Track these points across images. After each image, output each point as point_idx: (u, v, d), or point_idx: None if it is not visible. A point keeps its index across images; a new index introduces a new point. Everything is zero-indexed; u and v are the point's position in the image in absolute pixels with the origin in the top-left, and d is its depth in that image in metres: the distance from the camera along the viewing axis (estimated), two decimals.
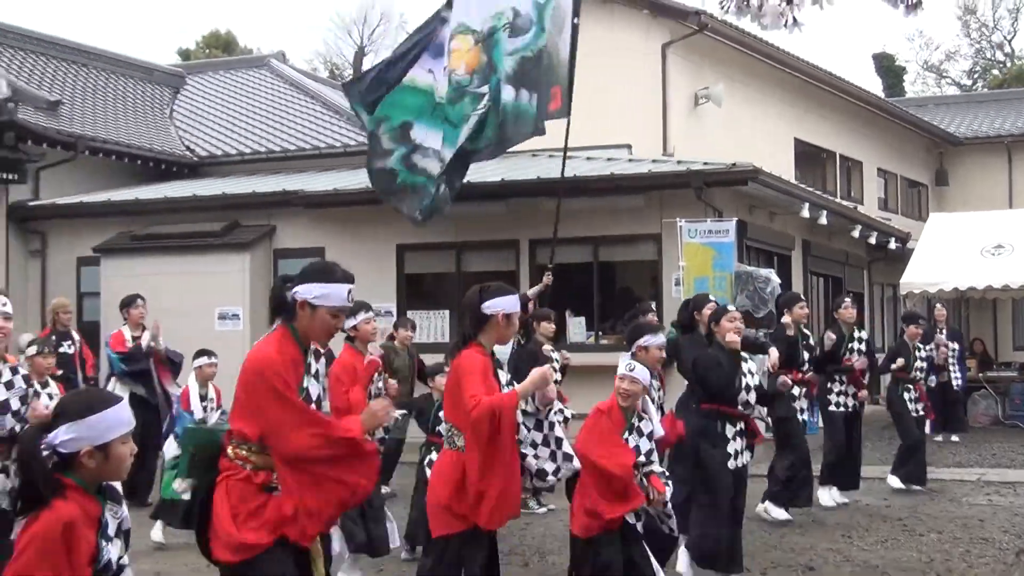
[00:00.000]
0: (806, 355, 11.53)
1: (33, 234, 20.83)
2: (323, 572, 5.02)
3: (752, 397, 8.46)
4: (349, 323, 8.03)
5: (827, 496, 11.92)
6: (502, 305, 6.02)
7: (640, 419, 6.96)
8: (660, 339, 7.86)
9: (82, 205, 20.53)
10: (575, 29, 9.98)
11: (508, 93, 9.98)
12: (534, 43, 9.96)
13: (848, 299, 12.91)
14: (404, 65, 11.09)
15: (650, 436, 6.92)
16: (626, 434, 6.88)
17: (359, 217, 18.75)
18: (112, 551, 3.68)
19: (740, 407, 8.44)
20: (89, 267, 19.94)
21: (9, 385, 5.83)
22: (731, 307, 9.11)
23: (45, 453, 3.65)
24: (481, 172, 18.23)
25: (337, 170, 21.36)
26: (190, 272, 18.19)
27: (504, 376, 6.24)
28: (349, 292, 5.11)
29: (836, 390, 12.11)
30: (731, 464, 8.30)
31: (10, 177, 19.76)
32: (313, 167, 22.22)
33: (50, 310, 14.17)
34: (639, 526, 6.95)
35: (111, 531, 3.71)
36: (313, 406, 4.99)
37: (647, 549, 7.01)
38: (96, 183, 21.61)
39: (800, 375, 11.27)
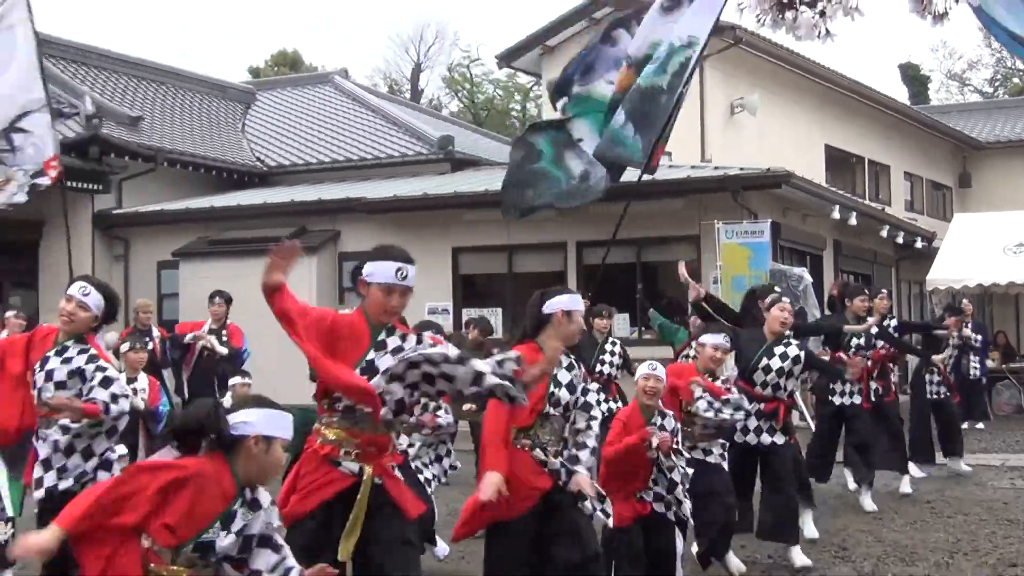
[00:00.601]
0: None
1: (117, 240, 21.04)
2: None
3: (779, 381, 8.36)
4: None
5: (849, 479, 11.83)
6: (561, 303, 5.93)
7: (663, 416, 6.87)
8: (717, 339, 7.76)
9: (162, 213, 20.74)
10: (682, 96, 9.86)
11: (619, 118, 9.85)
12: (652, 79, 9.73)
13: (885, 291, 12.75)
14: (583, 78, 10.76)
15: (673, 432, 6.85)
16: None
17: (417, 221, 18.83)
18: (222, 541, 3.68)
19: (759, 387, 8.40)
20: (168, 270, 20.13)
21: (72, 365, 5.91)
22: (785, 298, 9.02)
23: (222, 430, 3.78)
24: None
25: (396, 178, 21.47)
26: (259, 276, 18.30)
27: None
28: (398, 270, 5.08)
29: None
30: (738, 438, 8.24)
31: (96, 188, 20.02)
32: (374, 175, 22.34)
33: (133, 310, 14.35)
34: (669, 514, 6.90)
35: (232, 526, 3.71)
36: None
37: (675, 537, 7.00)
38: (174, 192, 21.82)
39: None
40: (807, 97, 25.81)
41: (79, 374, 6.08)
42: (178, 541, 3.63)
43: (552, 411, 5.83)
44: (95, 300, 6.23)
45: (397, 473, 5.09)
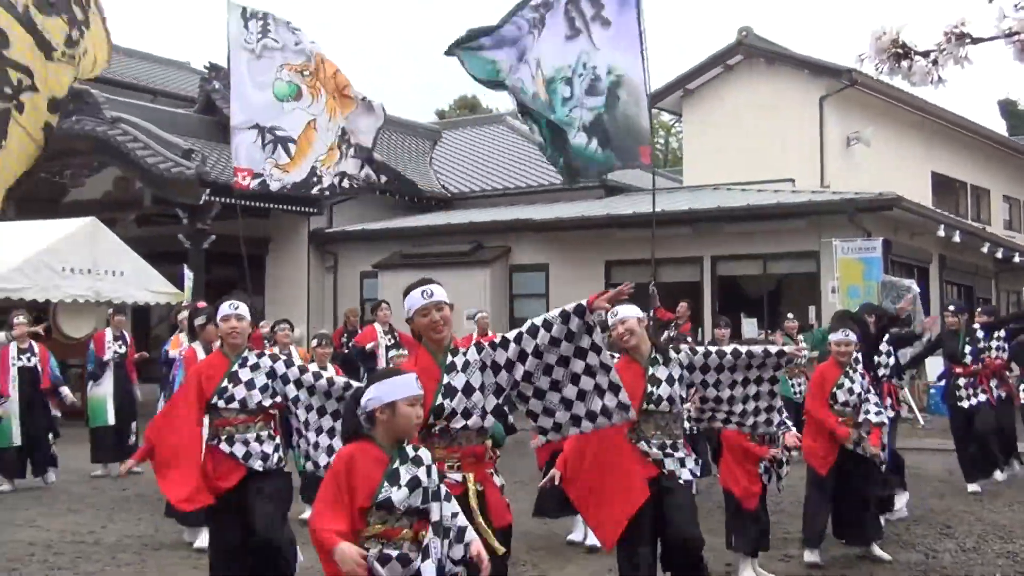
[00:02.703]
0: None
1: (328, 254, 21.63)
2: None
3: (846, 398, 7.98)
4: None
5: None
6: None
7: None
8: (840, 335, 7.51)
9: (365, 231, 21.24)
10: (650, 99, 9.85)
11: (581, 138, 9.68)
12: (606, 108, 9.70)
13: (952, 307, 11.97)
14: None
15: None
16: None
17: (575, 239, 18.92)
18: (396, 495, 3.73)
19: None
20: (369, 279, 20.60)
21: (254, 367, 5.89)
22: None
23: (358, 413, 3.88)
24: (671, 201, 18.21)
25: (558, 202, 21.55)
26: (445, 283, 18.21)
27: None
28: (423, 292, 4.78)
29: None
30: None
31: (311, 211, 20.63)
32: (539, 200, 22.47)
33: (344, 314, 14.63)
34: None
35: (402, 481, 3.76)
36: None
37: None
38: (375, 214, 22.29)
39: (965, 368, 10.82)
40: (915, 130, 25.24)
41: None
42: (362, 506, 3.72)
43: (653, 407, 5.55)
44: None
45: (496, 479, 4.80)
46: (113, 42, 30.00)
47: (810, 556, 7.27)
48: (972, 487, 10.33)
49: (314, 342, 10.17)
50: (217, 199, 18.12)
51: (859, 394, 7.42)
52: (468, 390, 4.57)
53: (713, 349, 5.59)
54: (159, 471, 5.68)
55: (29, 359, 11.47)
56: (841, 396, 7.37)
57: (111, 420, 12.16)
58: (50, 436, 11.57)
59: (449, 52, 9.68)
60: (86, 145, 19.03)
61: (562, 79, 9.51)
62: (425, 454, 3.91)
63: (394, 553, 3.71)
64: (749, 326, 17.43)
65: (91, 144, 18.91)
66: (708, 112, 23.70)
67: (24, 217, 18.78)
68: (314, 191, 10.59)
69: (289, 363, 5.85)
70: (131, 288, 16.56)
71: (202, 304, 10.79)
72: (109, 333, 12.51)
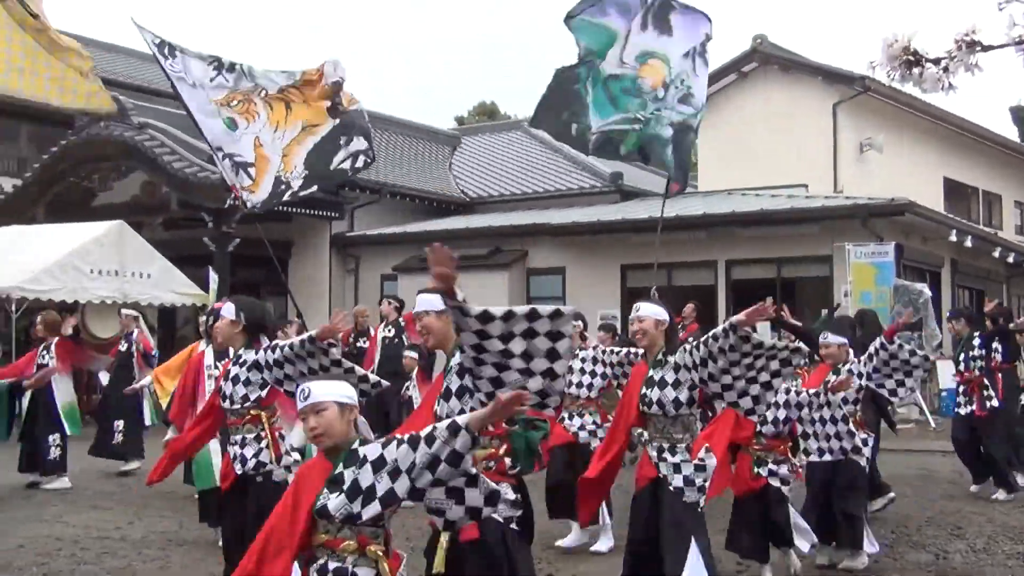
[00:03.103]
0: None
1: (349, 257, 21.65)
2: None
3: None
4: None
5: None
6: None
7: None
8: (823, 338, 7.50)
9: (385, 235, 21.26)
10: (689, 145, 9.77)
11: (667, 132, 9.50)
12: (690, 119, 9.51)
13: (950, 313, 11.81)
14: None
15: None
16: None
17: (591, 243, 18.89)
18: (332, 502, 3.49)
19: None
20: (390, 282, 20.60)
21: (243, 363, 5.85)
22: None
23: None
24: (686, 206, 18.16)
25: (575, 207, 21.53)
26: (464, 286, 18.32)
27: None
28: (417, 299, 4.76)
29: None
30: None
31: (333, 215, 20.69)
32: (556, 205, 22.46)
33: (353, 314, 14.60)
34: (785, 490, 6.71)
35: (345, 486, 3.50)
36: None
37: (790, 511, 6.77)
38: (395, 218, 22.32)
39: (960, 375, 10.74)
40: (927, 136, 25.13)
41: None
42: (305, 521, 3.57)
43: (646, 410, 5.50)
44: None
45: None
46: (134, 48, 30.02)
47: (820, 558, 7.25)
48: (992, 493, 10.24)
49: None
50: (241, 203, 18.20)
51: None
52: (460, 392, 4.41)
53: (703, 337, 5.30)
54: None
55: (44, 358, 11.52)
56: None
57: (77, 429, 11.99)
58: (53, 437, 11.36)
59: (567, 19, 9.45)
60: (115, 150, 19.13)
61: (668, 79, 9.36)
62: (368, 449, 3.57)
63: (336, 565, 3.54)
64: (763, 328, 17.37)
65: (119, 149, 19.01)
66: (723, 118, 23.61)
67: (54, 220, 18.92)
68: (287, 196, 10.21)
69: (272, 348, 5.66)
70: (158, 290, 16.64)
71: (219, 305, 10.79)
72: (132, 335, 12.46)
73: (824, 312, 14.73)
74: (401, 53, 76.96)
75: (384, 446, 3.51)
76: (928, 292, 15.65)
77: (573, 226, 19.05)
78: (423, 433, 3.46)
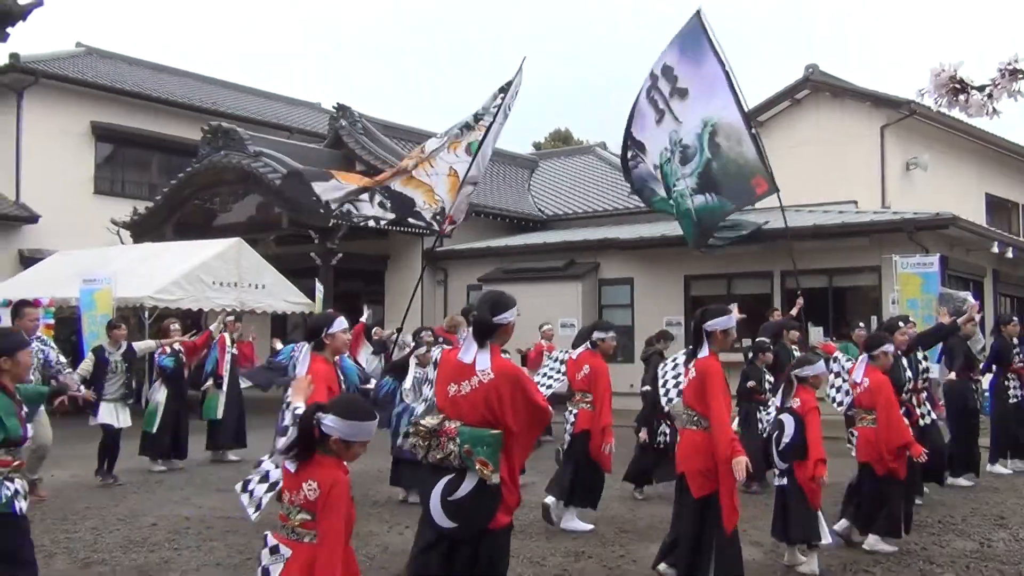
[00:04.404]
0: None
1: (439, 269, 21.81)
2: None
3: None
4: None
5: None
6: (721, 324, 5.76)
7: None
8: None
9: (471, 249, 21.39)
10: (756, 137, 9.40)
11: (699, 199, 9.35)
12: (702, 161, 9.31)
13: (1016, 317, 11.55)
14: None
15: None
16: None
17: (657, 256, 18.80)
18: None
19: (904, 394, 7.95)
20: (475, 291, 20.72)
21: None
22: (901, 324, 8.56)
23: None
24: (744, 221, 17.96)
25: (641, 223, 21.44)
26: (542, 295, 18.64)
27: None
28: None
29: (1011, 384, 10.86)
30: None
31: (425, 231, 20.80)
32: (625, 221, 22.40)
33: (447, 323, 14.66)
34: None
35: None
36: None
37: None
38: (480, 234, 22.43)
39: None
40: (970, 155, 24.55)
41: None
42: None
43: None
44: None
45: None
46: (250, 86, 30.55)
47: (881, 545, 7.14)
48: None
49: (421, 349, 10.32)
50: (344, 222, 18.42)
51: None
52: None
53: None
54: None
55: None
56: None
57: (219, 414, 12.28)
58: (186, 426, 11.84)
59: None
60: (233, 175, 19.58)
61: (665, 162, 9.35)
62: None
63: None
64: (816, 334, 17.12)
65: (237, 174, 19.45)
66: (778, 141, 23.30)
67: (180, 238, 19.41)
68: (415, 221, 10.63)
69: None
70: (271, 299, 16.97)
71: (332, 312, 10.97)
72: (228, 337, 12.47)
73: (873, 319, 14.52)
74: (484, 86, 77.41)
75: None
76: (972, 300, 15.26)
77: (640, 240, 18.97)
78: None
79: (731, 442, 5.37)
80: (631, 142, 9.66)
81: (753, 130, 9.29)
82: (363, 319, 13.53)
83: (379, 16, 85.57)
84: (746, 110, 9.22)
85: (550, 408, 4.74)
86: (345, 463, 3.63)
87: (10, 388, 4.84)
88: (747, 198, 9.41)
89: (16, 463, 4.81)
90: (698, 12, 9.08)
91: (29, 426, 4.89)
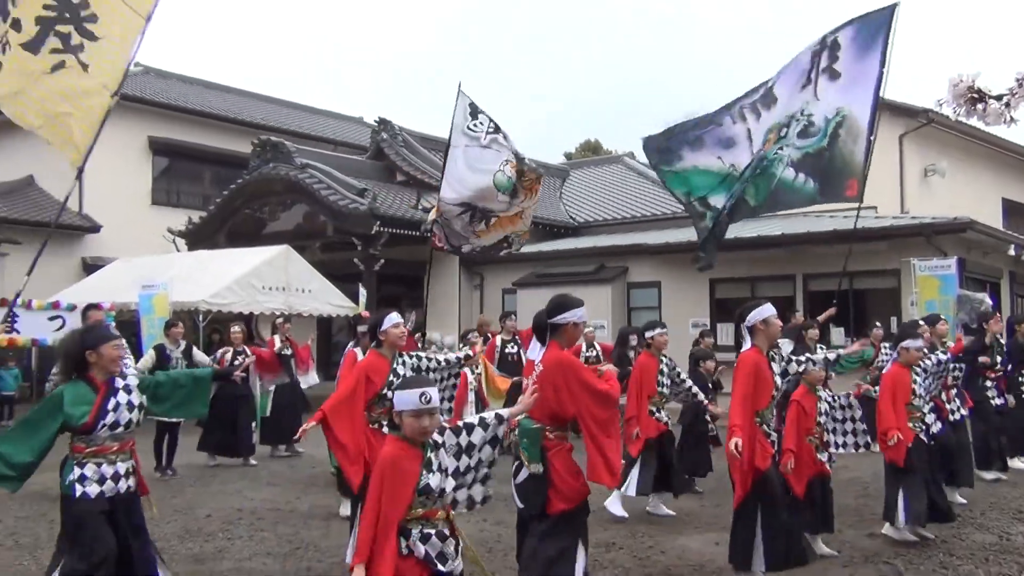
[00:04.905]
0: (999, 357, 10.42)
1: (475, 275, 21.83)
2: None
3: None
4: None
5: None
6: (757, 316, 5.74)
7: None
8: (918, 343, 7.25)
9: (506, 255, 21.33)
10: (871, 143, 9.17)
11: (789, 173, 9.14)
12: (817, 145, 9.06)
13: (998, 314, 11.27)
14: (692, 149, 9.31)
15: None
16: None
17: (683, 260, 18.66)
18: (433, 480, 3.71)
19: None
20: (510, 295, 20.74)
21: (404, 364, 6.49)
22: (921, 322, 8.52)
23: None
24: (768, 227, 17.85)
25: (668, 229, 21.34)
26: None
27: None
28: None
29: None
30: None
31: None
32: (652, 227, 22.30)
33: (478, 323, 14.70)
34: None
35: (434, 467, 3.74)
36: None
37: None
38: None
39: (995, 372, 10.28)
40: (986, 161, 24.21)
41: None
42: (407, 500, 3.69)
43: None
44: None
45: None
46: (297, 102, 30.72)
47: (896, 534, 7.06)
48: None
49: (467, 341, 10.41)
50: (385, 230, 18.56)
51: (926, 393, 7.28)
52: None
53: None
54: (334, 447, 5.82)
55: (242, 360, 11.85)
56: (918, 391, 7.18)
57: (267, 412, 12.30)
58: (252, 425, 11.92)
59: (662, 179, 9.39)
60: (281, 186, 19.74)
61: (782, 124, 9.10)
62: (438, 437, 3.87)
63: (432, 531, 3.70)
64: (837, 334, 16.96)
65: (285, 185, 19.61)
66: None
67: (232, 245, 19.61)
68: (501, 253, 10.86)
69: (419, 357, 6.36)
70: (317, 303, 17.07)
71: (365, 315, 11.04)
72: (277, 339, 12.47)
73: (895, 328, 14.35)
74: (518, 99, 77.40)
75: (456, 433, 3.95)
76: (989, 301, 15.05)
77: (667, 246, 18.88)
78: (476, 421, 4.01)
79: (731, 428, 5.36)
80: (764, 90, 9.12)
81: (872, 137, 9.09)
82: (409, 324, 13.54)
83: (417, 35, 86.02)
84: (876, 117, 8.97)
85: (615, 391, 4.76)
86: (409, 439, 3.77)
87: (97, 380, 4.89)
88: (836, 195, 9.17)
89: (90, 450, 4.79)
90: (894, 7, 8.61)
91: (114, 413, 4.86)
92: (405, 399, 3.74)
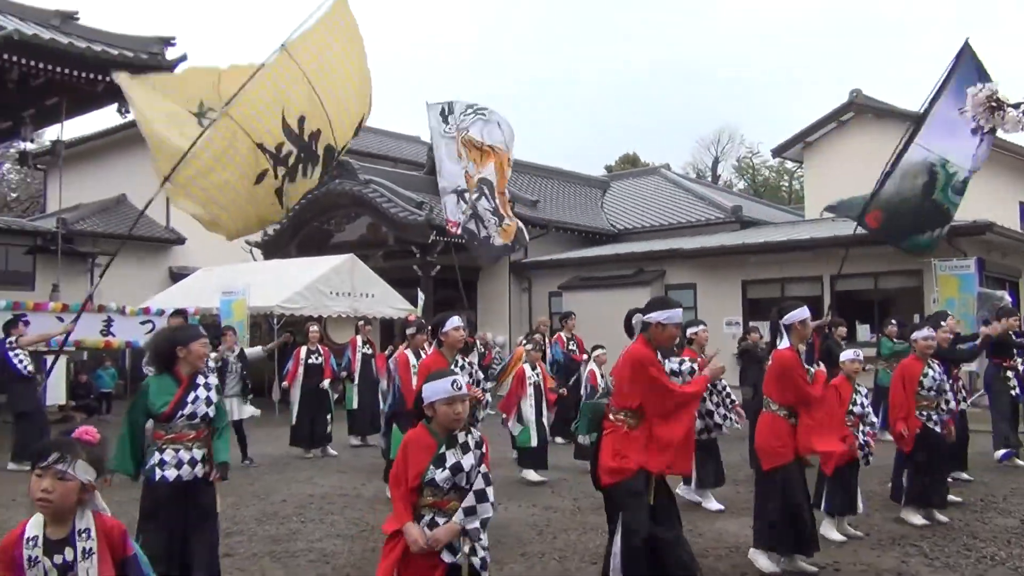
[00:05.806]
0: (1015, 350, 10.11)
1: (523, 278, 21.83)
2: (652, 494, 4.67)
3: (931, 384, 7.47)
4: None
5: None
6: (796, 316, 5.63)
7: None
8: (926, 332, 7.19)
9: (552, 260, 21.36)
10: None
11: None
12: (942, 195, 8.84)
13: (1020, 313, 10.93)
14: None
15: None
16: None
17: (717, 263, 18.51)
18: (439, 475, 3.55)
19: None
20: (556, 298, 20.70)
21: (460, 367, 6.43)
22: (942, 323, 8.21)
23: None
24: (796, 232, 17.59)
25: (703, 235, 21.15)
26: (613, 300, 18.39)
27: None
28: (680, 313, 4.79)
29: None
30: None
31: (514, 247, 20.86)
32: (687, 233, 22.10)
33: (537, 323, 14.67)
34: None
35: (447, 464, 3.57)
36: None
37: None
38: (559, 247, 22.38)
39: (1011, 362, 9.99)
40: (1004, 167, 23.51)
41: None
42: (412, 485, 3.56)
43: None
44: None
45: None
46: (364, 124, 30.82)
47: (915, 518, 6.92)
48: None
49: (528, 345, 10.37)
50: (441, 239, 18.63)
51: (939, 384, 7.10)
52: None
53: None
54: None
55: (316, 358, 11.98)
56: (927, 383, 7.05)
57: (355, 405, 12.31)
58: (328, 417, 11.94)
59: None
60: (346, 200, 19.93)
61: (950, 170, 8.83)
62: (473, 440, 3.67)
63: (443, 520, 3.52)
64: (862, 331, 16.68)
65: (350, 199, 19.80)
66: (825, 160, 22.81)
67: (303, 255, 19.84)
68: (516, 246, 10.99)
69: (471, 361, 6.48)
70: (380, 306, 17.19)
71: (412, 318, 11.06)
72: (359, 339, 12.55)
73: (916, 317, 14.04)
74: (560, 117, 77.33)
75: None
76: (1008, 298, 14.67)
77: (702, 250, 18.71)
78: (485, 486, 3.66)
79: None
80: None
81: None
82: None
83: (463, 60, 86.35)
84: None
85: (686, 392, 4.68)
86: (432, 431, 3.65)
87: (182, 374, 4.96)
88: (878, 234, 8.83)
89: (168, 437, 4.85)
90: (966, 42, 8.41)
91: (192, 405, 4.91)
92: (437, 388, 3.62)
